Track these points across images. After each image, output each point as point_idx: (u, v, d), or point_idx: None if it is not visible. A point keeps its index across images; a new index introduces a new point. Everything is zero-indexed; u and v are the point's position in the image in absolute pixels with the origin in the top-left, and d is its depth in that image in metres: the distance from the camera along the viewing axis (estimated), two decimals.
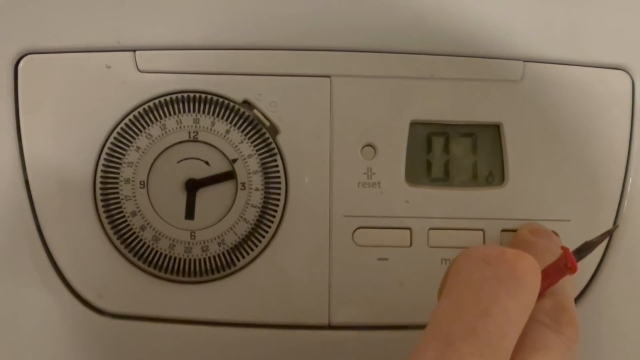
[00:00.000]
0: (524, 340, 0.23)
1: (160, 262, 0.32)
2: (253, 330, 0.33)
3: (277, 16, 0.32)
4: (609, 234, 0.28)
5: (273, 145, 0.32)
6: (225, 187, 0.32)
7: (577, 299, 0.33)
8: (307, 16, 0.32)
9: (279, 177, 0.32)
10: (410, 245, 0.33)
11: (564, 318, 0.24)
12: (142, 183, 0.32)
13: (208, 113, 0.32)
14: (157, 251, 0.32)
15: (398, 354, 0.33)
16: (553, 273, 0.26)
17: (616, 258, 0.33)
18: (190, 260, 0.32)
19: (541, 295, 0.24)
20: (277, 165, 0.32)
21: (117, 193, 0.32)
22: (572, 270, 0.25)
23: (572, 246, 0.26)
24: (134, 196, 0.32)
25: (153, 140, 0.32)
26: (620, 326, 0.33)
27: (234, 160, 0.32)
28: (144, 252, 0.32)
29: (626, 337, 0.33)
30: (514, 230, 0.32)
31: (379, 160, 0.32)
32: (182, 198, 0.32)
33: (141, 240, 0.32)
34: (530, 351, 0.23)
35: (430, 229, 0.32)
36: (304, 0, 0.32)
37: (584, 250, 0.26)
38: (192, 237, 0.32)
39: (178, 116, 0.32)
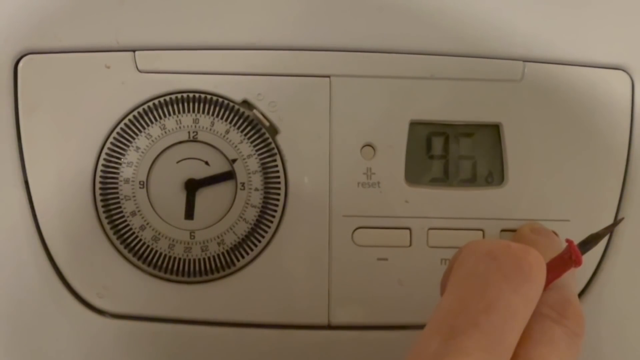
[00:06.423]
0: (528, 334, 0.22)
1: (159, 262, 0.32)
2: (253, 330, 0.33)
3: (277, 16, 0.32)
4: (614, 226, 0.28)
5: (273, 145, 0.32)
6: (225, 187, 0.32)
7: (579, 295, 0.33)
8: (307, 16, 0.32)
9: (278, 177, 0.32)
10: (410, 245, 0.32)
11: (569, 312, 0.24)
12: (141, 183, 0.32)
13: (207, 113, 0.32)
14: (156, 251, 0.32)
15: (398, 354, 0.33)
16: (557, 266, 0.25)
17: (617, 256, 0.33)
18: (189, 260, 0.32)
19: (545, 288, 0.24)
20: (276, 166, 0.32)
21: (117, 193, 0.32)
22: (577, 263, 0.25)
23: None
24: (134, 196, 0.32)
25: (153, 140, 0.32)
26: (621, 322, 0.33)
27: (234, 160, 0.32)
28: (143, 252, 0.32)
29: (627, 334, 0.33)
30: (514, 230, 0.32)
31: (379, 160, 0.32)
32: (181, 198, 0.32)
33: (141, 240, 0.32)
34: (535, 345, 0.22)
35: (430, 229, 0.32)
36: (304, 0, 0.32)
37: (589, 243, 0.26)
38: (192, 237, 0.32)
39: (177, 116, 0.32)
